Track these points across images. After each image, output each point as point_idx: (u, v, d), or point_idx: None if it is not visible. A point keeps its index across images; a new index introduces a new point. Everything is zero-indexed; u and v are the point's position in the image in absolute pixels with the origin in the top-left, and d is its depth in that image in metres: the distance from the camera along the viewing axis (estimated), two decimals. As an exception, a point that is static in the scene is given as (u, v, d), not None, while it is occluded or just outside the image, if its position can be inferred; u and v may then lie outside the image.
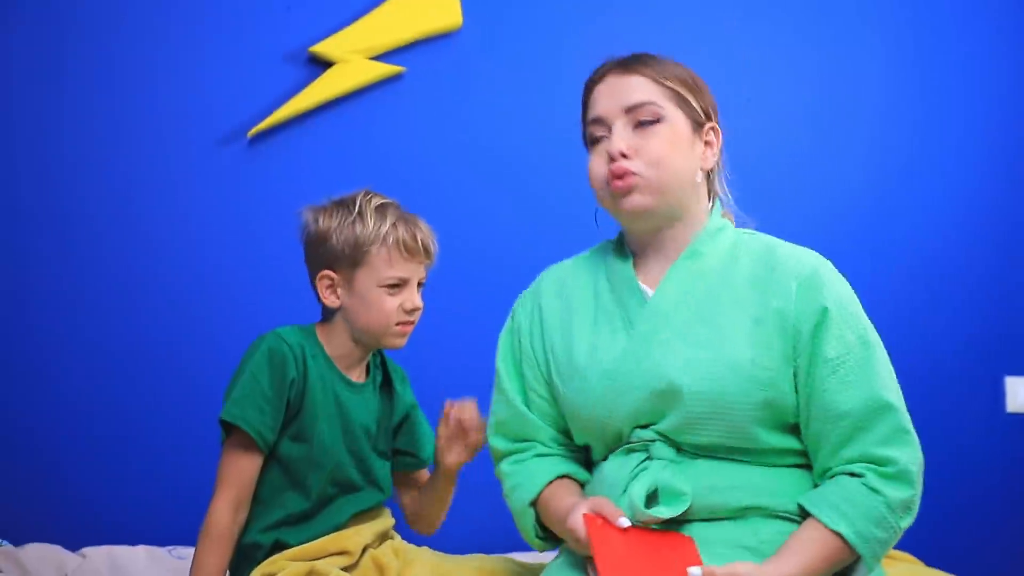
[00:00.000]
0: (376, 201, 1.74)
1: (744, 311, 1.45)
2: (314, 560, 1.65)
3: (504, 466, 1.60)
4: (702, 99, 1.54)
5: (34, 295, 2.26)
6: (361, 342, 1.74)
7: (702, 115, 1.53)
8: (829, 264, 1.49)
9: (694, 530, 1.40)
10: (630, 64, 1.52)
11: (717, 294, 1.48)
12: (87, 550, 2.06)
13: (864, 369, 1.41)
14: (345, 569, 1.66)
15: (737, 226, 1.60)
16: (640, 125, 1.49)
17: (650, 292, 1.51)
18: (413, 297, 1.73)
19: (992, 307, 2.60)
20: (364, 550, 1.72)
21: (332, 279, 1.72)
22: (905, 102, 2.62)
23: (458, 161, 2.45)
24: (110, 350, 2.28)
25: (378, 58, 2.39)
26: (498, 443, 1.62)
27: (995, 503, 2.57)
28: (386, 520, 1.80)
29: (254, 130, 2.33)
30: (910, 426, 1.42)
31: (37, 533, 2.09)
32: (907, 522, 1.40)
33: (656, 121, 1.48)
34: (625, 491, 1.43)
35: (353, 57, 2.36)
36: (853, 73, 2.61)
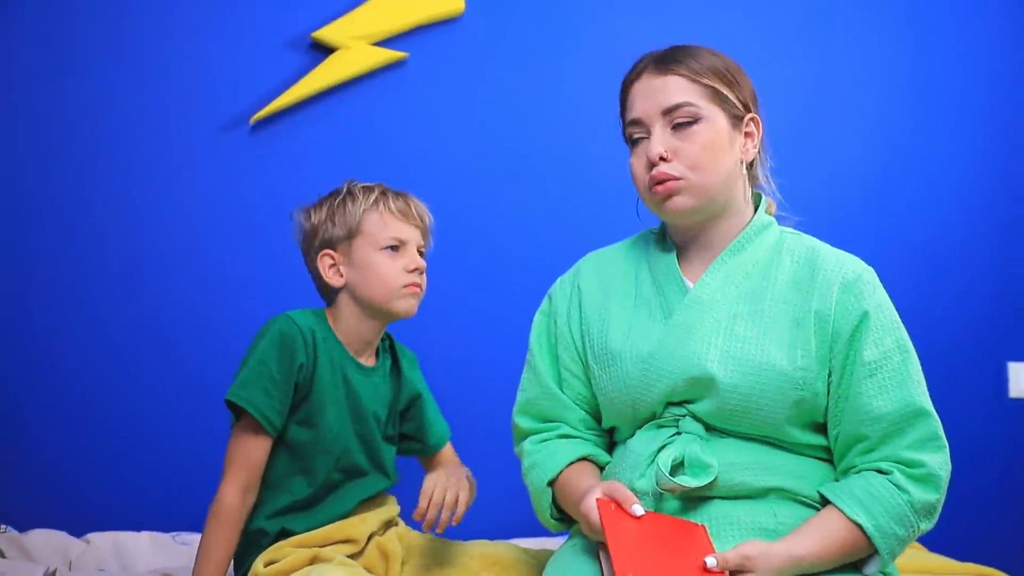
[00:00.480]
0: (362, 183, 1.79)
1: (784, 311, 1.46)
2: (319, 548, 1.65)
3: (526, 444, 1.60)
4: (740, 91, 1.52)
5: (36, 283, 2.26)
6: (371, 317, 1.74)
7: (741, 108, 1.52)
8: (872, 271, 1.50)
9: (715, 507, 1.42)
10: (666, 63, 1.50)
11: (758, 291, 1.49)
12: (91, 536, 2.07)
13: (901, 374, 1.42)
14: (350, 557, 1.67)
15: (777, 217, 1.61)
16: (678, 126, 1.48)
17: (691, 284, 1.52)
18: (414, 258, 1.75)
19: (995, 293, 2.60)
20: (369, 538, 1.72)
21: (333, 257, 1.74)
22: (907, 83, 2.62)
23: (461, 147, 2.44)
24: (113, 337, 2.28)
25: (380, 44, 2.38)
26: (523, 422, 1.62)
27: (998, 488, 2.57)
28: (391, 508, 1.80)
29: (256, 116, 2.32)
30: (942, 433, 1.43)
31: (41, 519, 2.09)
32: (927, 525, 1.41)
33: (694, 122, 1.47)
34: (652, 462, 1.45)
35: (355, 43, 2.35)
36: (848, 62, 2.60)
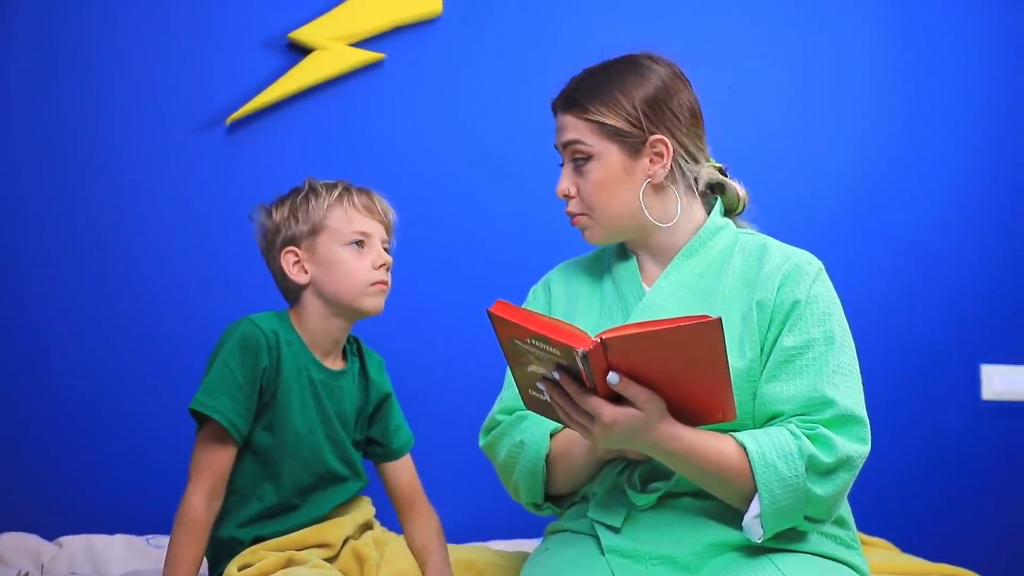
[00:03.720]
0: (322, 180, 1.77)
1: (733, 307, 1.48)
2: (295, 551, 1.64)
3: (504, 425, 1.58)
4: (636, 118, 1.51)
5: (6, 286, 2.24)
6: (337, 315, 1.71)
7: (640, 136, 1.51)
8: (819, 264, 1.51)
9: (685, 503, 1.44)
10: (563, 102, 1.56)
11: (711, 290, 1.51)
12: (64, 539, 2.05)
13: (818, 363, 1.42)
14: (325, 561, 1.65)
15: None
16: (577, 165, 1.54)
17: (648, 289, 1.55)
18: (380, 253, 1.72)
19: (968, 296, 2.62)
20: (345, 542, 1.71)
21: (297, 254, 1.71)
22: (889, 91, 2.63)
23: (438, 148, 2.44)
24: (86, 339, 2.26)
25: (357, 45, 2.38)
26: (503, 419, 1.61)
27: (971, 490, 2.59)
28: (367, 510, 1.79)
29: (233, 117, 2.31)
30: (854, 420, 1.40)
31: (13, 522, 2.08)
32: (820, 488, 1.36)
33: (587, 160, 1.53)
34: (622, 471, 1.47)
35: (332, 44, 2.35)
36: (838, 61, 2.61)
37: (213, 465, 1.62)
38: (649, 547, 1.42)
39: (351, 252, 1.70)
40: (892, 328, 2.57)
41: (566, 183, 1.55)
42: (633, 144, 1.52)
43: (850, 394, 1.41)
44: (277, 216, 1.73)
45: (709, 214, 1.59)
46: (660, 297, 1.52)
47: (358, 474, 1.76)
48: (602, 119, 1.51)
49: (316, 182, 1.75)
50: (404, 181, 2.40)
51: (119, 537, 2.08)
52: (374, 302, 1.71)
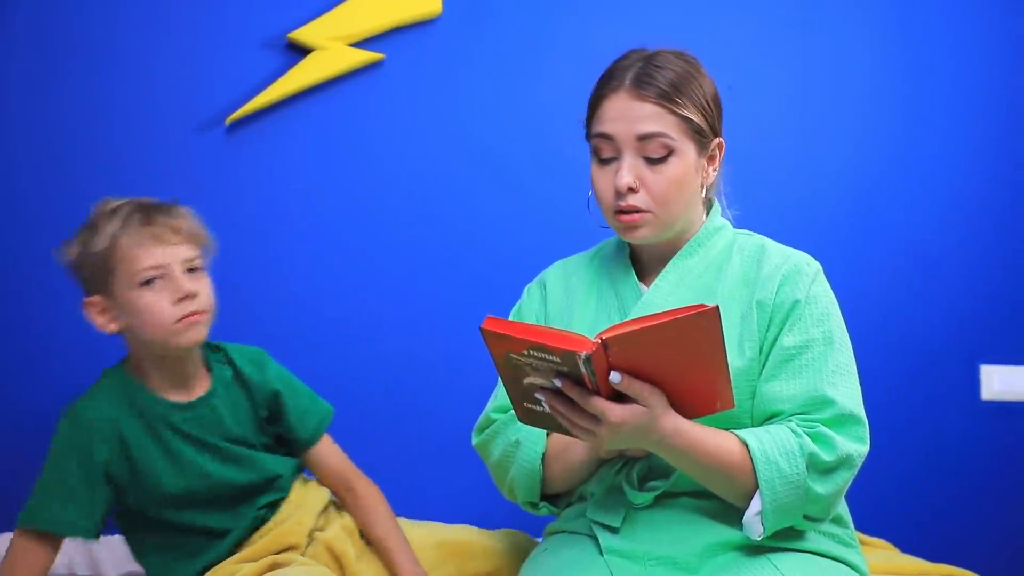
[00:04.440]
0: (109, 206, 1.57)
1: (733, 307, 1.48)
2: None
3: (498, 423, 1.58)
4: (713, 117, 1.50)
5: (6, 286, 2.24)
6: (165, 355, 1.57)
7: (711, 134, 1.51)
8: (817, 265, 1.51)
9: (684, 503, 1.44)
10: (646, 87, 1.45)
11: (710, 291, 1.51)
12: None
13: (817, 363, 1.42)
14: (298, 558, 1.62)
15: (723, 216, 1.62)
16: (650, 157, 1.46)
17: (646, 288, 1.55)
18: (180, 284, 1.53)
19: (968, 296, 2.62)
20: (311, 534, 1.65)
21: (98, 303, 1.56)
22: (889, 91, 2.63)
23: (438, 148, 2.44)
24: (82, 342, 2.23)
25: (357, 45, 2.38)
26: (497, 417, 1.61)
27: (971, 490, 2.59)
28: (319, 497, 1.70)
29: (232, 117, 2.31)
30: (853, 420, 1.40)
31: (13, 522, 2.06)
32: (820, 486, 1.37)
33: (667, 155, 1.45)
34: (620, 469, 1.47)
35: (332, 44, 2.35)
36: (838, 61, 2.61)
37: (37, 567, 1.52)
38: (648, 547, 1.42)
39: (148, 293, 1.52)
40: (892, 328, 2.57)
41: (630, 176, 1.45)
42: (704, 145, 1.50)
43: (849, 394, 1.42)
44: (70, 254, 1.56)
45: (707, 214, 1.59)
46: (659, 296, 1.52)
47: (278, 473, 1.67)
48: (691, 115, 1.46)
49: (102, 211, 1.55)
50: (404, 181, 2.40)
51: (119, 537, 2.07)
52: (188, 337, 1.54)
